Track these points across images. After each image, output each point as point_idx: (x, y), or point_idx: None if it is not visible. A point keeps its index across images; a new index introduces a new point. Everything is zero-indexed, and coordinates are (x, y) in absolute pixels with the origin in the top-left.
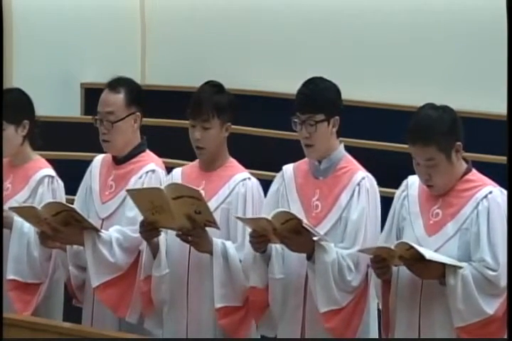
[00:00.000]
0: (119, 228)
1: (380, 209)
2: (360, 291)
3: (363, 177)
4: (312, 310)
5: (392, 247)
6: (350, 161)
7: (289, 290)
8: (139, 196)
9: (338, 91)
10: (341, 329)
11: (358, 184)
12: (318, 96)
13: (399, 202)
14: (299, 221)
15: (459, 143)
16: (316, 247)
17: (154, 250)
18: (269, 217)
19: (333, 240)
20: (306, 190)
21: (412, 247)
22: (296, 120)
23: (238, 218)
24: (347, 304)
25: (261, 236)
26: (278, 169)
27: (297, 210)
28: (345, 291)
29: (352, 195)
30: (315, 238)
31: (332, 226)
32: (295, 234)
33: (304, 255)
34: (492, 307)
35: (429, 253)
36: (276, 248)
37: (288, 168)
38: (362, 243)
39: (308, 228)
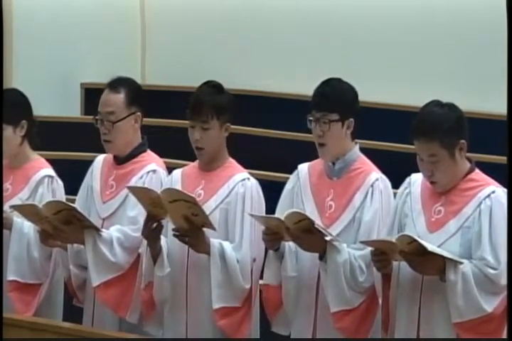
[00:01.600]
0: (120, 227)
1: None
2: (372, 292)
3: (376, 178)
4: (324, 309)
5: (394, 240)
6: (364, 162)
7: (302, 288)
8: (139, 192)
9: (355, 94)
10: (352, 329)
11: (372, 185)
12: (335, 95)
13: (401, 199)
14: (311, 221)
15: (463, 141)
16: (328, 247)
17: (155, 253)
18: (282, 217)
19: (346, 240)
20: (320, 190)
21: (413, 240)
22: (311, 118)
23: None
24: (359, 305)
25: (274, 234)
26: (277, 169)
27: (311, 210)
28: (356, 292)
29: (366, 196)
30: (327, 238)
31: (345, 227)
32: (307, 233)
33: (317, 254)
34: (491, 305)
35: (430, 246)
36: (289, 246)
37: (303, 167)
38: None
39: (320, 229)
